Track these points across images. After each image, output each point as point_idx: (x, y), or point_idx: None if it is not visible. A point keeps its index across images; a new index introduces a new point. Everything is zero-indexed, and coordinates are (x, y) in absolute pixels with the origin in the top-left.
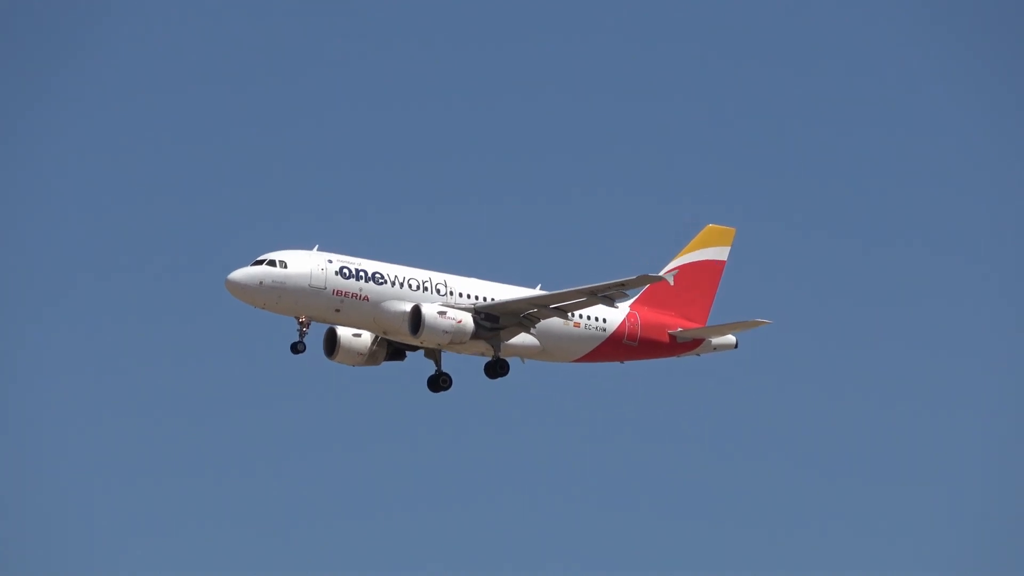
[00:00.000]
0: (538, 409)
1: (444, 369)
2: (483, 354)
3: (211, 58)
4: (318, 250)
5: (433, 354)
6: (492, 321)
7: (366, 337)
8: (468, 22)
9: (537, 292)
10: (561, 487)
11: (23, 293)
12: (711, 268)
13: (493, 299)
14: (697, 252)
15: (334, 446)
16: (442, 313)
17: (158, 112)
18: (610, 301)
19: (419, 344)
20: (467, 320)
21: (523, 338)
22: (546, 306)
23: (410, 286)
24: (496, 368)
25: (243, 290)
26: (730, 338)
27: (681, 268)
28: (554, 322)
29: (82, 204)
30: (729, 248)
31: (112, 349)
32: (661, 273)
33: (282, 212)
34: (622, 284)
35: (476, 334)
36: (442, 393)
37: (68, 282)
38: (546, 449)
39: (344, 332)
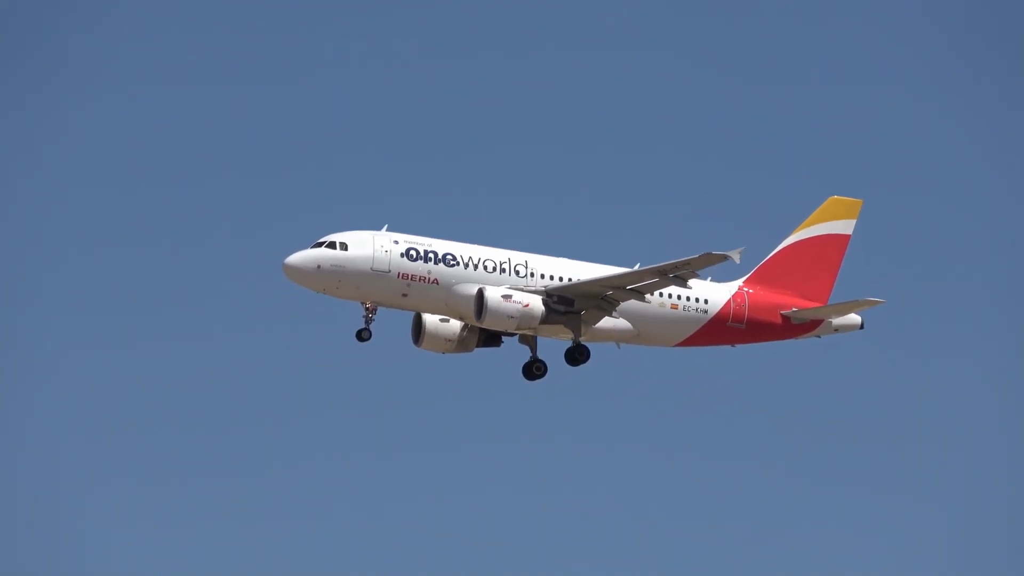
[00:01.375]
0: (629, 398)
1: (541, 356)
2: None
3: (213, 58)
4: (387, 230)
5: (527, 339)
6: (566, 304)
7: (455, 322)
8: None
9: (608, 272)
10: (639, 484)
11: (25, 293)
12: (834, 243)
13: (575, 280)
14: (819, 226)
15: (407, 438)
16: (507, 297)
17: (159, 113)
18: (682, 281)
19: (486, 328)
20: (535, 304)
21: (615, 322)
22: (618, 287)
23: (485, 267)
24: (575, 355)
25: (300, 274)
26: (854, 318)
27: (801, 243)
28: (647, 305)
29: (82, 204)
30: (855, 221)
31: (183, 346)
32: (730, 257)
33: (350, 197)
34: (687, 263)
35: (551, 318)
36: (537, 381)
37: (79, 283)
38: (630, 441)
39: (431, 316)
